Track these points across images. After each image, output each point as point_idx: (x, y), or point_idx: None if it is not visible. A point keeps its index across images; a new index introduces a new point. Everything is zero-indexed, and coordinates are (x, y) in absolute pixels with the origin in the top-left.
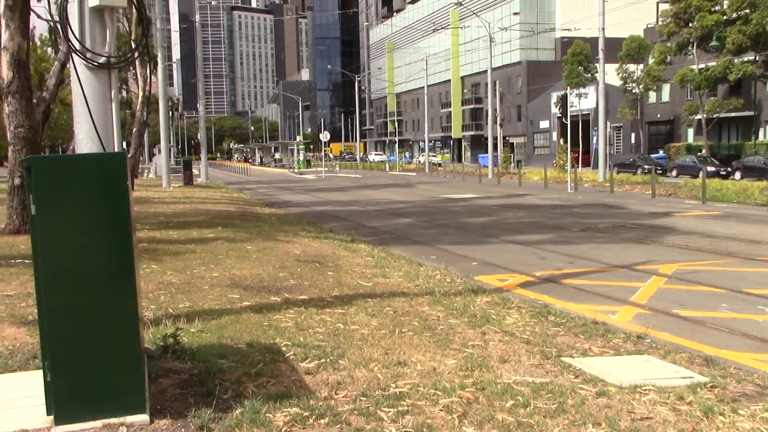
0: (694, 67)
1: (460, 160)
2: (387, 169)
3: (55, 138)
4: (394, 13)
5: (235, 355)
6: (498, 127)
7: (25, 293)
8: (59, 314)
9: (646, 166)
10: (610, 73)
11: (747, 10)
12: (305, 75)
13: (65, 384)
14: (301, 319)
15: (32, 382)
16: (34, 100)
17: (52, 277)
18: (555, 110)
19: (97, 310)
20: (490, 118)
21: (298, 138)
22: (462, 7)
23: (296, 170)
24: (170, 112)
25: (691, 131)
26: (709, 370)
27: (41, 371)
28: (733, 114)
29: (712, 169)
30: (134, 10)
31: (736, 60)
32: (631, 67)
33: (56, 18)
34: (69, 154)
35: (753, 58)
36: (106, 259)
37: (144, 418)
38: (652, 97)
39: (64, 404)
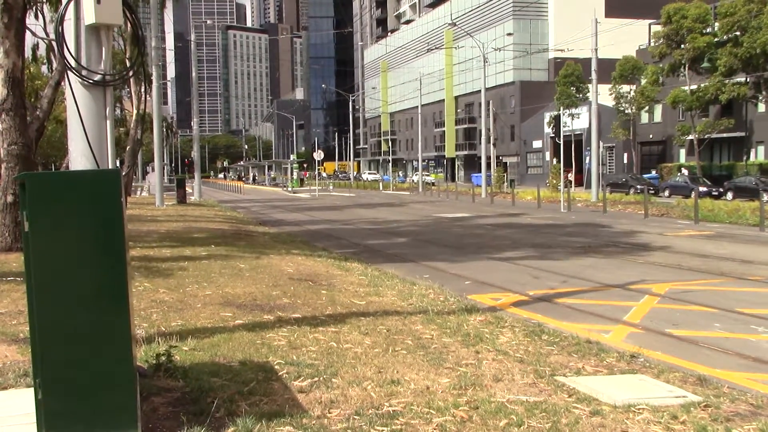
0: (686, 88)
1: (453, 179)
2: (380, 188)
3: (48, 155)
4: (389, 33)
5: (228, 373)
6: (491, 146)
7: (17, 311)
8: (51, 332)
9: (638, 186)
10: (602, 94)
11: (737, 33)
12: (299, 94)
13: (56, 402)
14: (294, 338)
15: (23, 400)
16: (28, 118)
17: (44, 294)
18: (548, 130)
19: (90, 327)
20: (483, 137)
21: (292, 157)
22: (456, 27)
23: (290, 189)
24: (164, 131)
25: (683, 152)
26: (702, 389)
27: (32, 389)
28: (724, 135)
29: (704, 189)
30: (130, 29)
31: (727, 81)
32: (625, 87)
33: (52, 36)
34: (63, 171)
35: (744, 79)
36: (99, 277)
37: None
38: (644, 117)
39: (55, 422)
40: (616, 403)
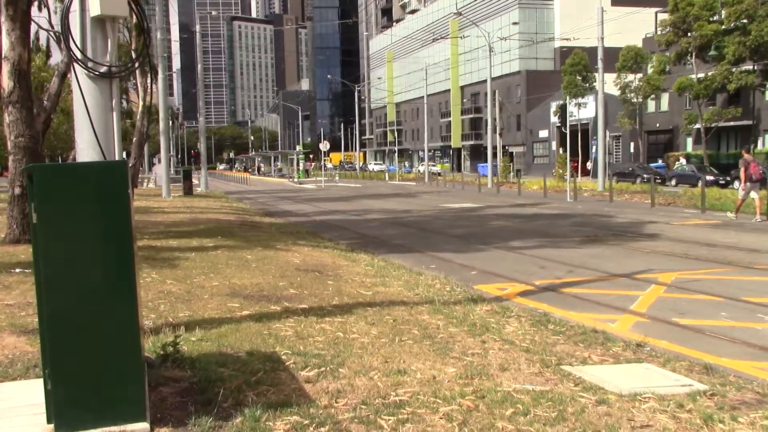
0: (693, 76)
1: (459, 169)
2: (387, 178)
3: (55, 147)
4: (394, 23)
5: (235, 363)
6: (497, 136)
7: (25, 302)
8: (60, 323)
9: (645, 176)
10: (608, 83)
11: (745, 21)
12: (305, 85)
13: (66, 392)
14: (301, 328)
15: (33, 391)
16: (35, 110)
17: (53, 285)
18: (554, 120)
19: (98, 318)
20: (489, 127)
21: (298, 147)
22: (461, 17)
23: (296, 180)
24: (170, 122)
25: (690, 140)
26: (708, 378)
27: (42, 380)
28: (732, 123)
29: (711, 178)
30: (135, 20)
31: (734, 69)
32: (629, 76)
33: (57, 28)
34: (71, 162)
35: (752, 67)
36: (107, 268)
37: (144, 426)
38: (651, 106)
39: (65, 412)
40: (622, 392)
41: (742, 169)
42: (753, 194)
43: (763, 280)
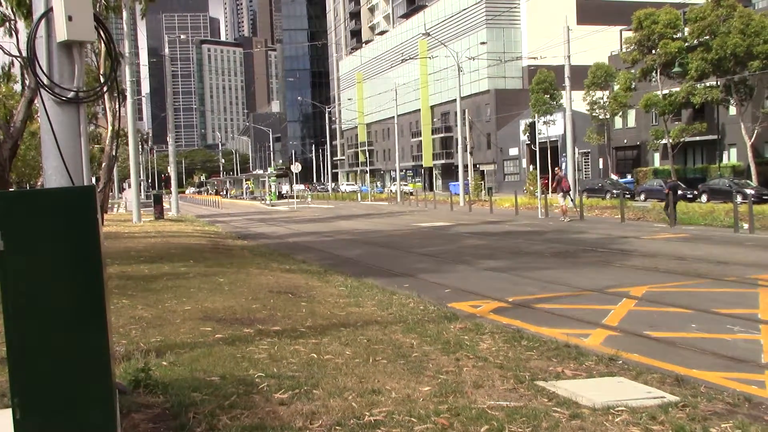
0: (659, 92)
1: (431, 188)
2: (359, 199)
3: (23, 174)
4: (363, 45)
5: (208, 387)
6: (468, 155)
7: None
8: (28, 351)
9: (614, 191)
10: (576, 100)
11: (707, 37)
12: (276, 107)
13: (35, 422)
14: (275, 350)
15: (1, 421)
16: (1, 137)
17: (21, 313)
18: (524, 137)
19: (68, 346)
20: (460, 146)
21: (270, 169)
22: (430, 37)
23: (268, 202)
24: (140, 146)
25: (657, 156)
26: (680, 389)
27: (10, 410)
28: (697, 138)
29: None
30: (103, 45)
31: (698, 85)
32: (598, 93)
33: (24, 53)
34: (38, 188)
35: (715, 83)
36: (76, 295)
37: None
38: (618, 123)
39: None
40: (596, 405)
41: (554, 183)
42: (562, 201)
43: (732, 292)
